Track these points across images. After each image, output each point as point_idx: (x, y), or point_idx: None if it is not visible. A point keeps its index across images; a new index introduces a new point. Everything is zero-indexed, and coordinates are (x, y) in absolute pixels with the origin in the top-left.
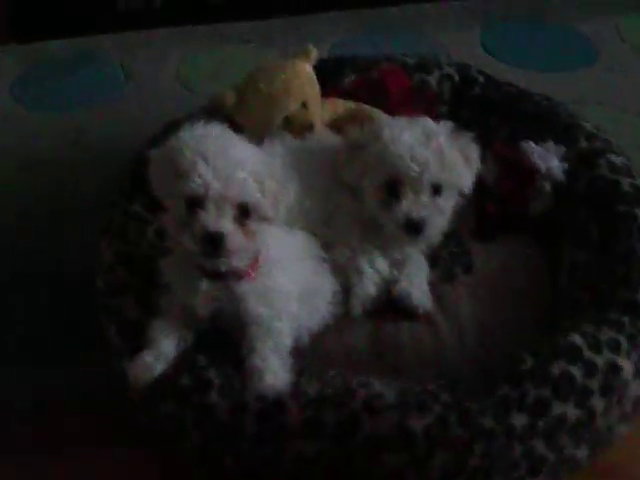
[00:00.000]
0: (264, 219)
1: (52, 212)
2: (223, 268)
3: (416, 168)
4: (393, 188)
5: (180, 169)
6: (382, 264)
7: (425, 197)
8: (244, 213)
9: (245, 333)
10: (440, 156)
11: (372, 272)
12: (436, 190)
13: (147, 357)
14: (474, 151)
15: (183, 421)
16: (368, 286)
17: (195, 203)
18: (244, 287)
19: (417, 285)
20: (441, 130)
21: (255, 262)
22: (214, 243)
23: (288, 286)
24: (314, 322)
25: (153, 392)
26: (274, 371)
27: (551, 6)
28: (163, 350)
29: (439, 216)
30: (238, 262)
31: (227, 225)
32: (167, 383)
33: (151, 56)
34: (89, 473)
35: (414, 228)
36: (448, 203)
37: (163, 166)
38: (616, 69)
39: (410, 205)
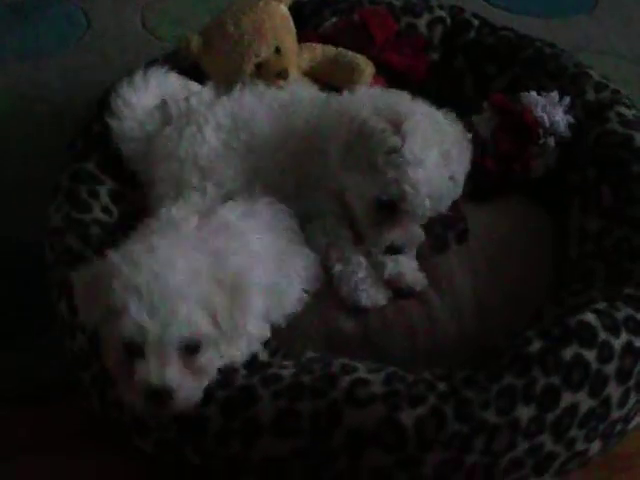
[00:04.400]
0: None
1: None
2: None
3: (427, 205)
4: (388, 210)
5: (110, 306)
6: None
7: (417, 225)
8: (193, 350)
9: None
10: (456, 177)
11: (355, 262)
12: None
13: None
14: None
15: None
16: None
17: (132, 349)
18: None
19: (406, 264)
20: (455, 131)
21: None
22: (160, 399)
23: None
24: (287, 309)
25: (104, 375)
26: None
27: None
28: None
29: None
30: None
31: (173, 375)
32: None
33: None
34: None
35: (395, 251)
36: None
37: (91, 296)
38: (616, 15)
39: (399, 233)
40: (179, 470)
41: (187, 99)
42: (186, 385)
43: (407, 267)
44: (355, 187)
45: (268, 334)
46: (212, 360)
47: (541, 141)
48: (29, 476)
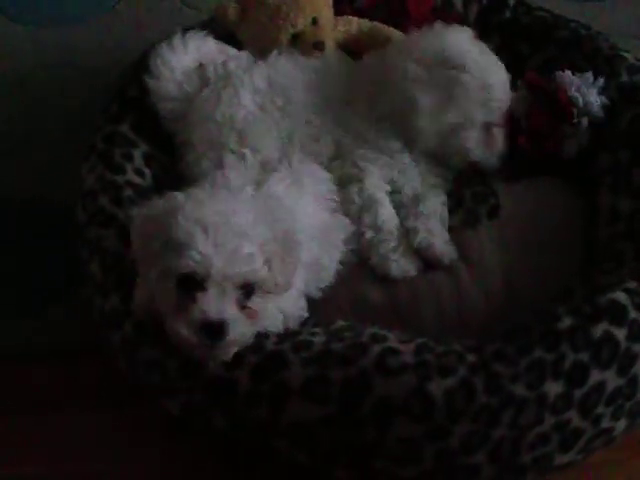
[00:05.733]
0: (269, 292)
1: (31, 133)
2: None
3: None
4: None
5: (173, 240)
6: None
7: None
8: (248, 293)
9: None
10: None
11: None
12: None
13: None
14: None
15: (166, 373)
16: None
17: (191, 283)
18: None
19: (438, 233)
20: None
21: None
22: (215, 333)
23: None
24: (325, 283)
25: (135, 335)
26: None
27: None
28: None
29: None
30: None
31: (231, 311)
32: (150, 325)
33: None
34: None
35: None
36: None
37: (150, 231)
38: None
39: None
40: (202, 434)
41: (225, 62)
42: (241, 324)
43: (439, 238)
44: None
45: (306, 314)
46: (264, 306)
47: (575, 120)
48: (44, 430)
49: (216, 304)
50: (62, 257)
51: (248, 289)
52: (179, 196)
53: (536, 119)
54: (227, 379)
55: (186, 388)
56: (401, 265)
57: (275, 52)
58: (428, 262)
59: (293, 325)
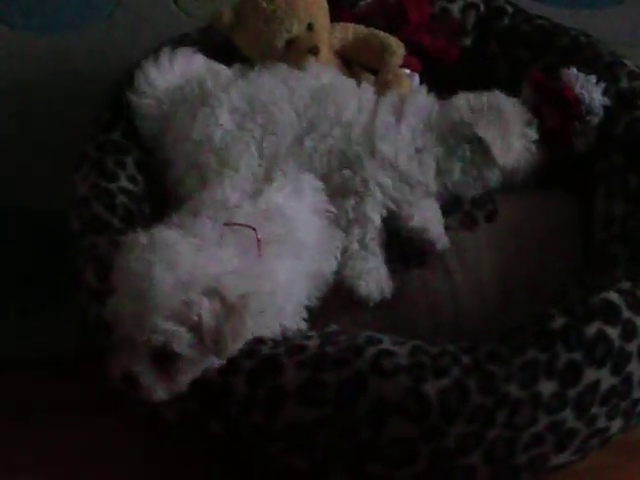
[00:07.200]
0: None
1: (27, 141)
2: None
3: None
4: None
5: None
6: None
7: None
8: (163, 355)
9: None
10: None
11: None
12: None
13: None
14: None
15: None
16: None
17: None
18: None
19: (433, 220)
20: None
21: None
22: (129, 382)
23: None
24: (323, 291)
25: None
26: None
27: None
28: None
29: None
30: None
31: (138, 366)
32: None
33: None
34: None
35: None
36: None
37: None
38: None
39: None
40: (199, 439)
41: (202, 81)
42: (154, 378)
43: (433, 224)
44: None
45: (304, 327)
46: (187, 368)
47: (587, 117)
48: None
49: (125, 357)
50: (61, 259)
51: (163, 355)
52: (140, 236)
53: (549, 117)
54: (222, 384)
55: (181, 394)
56: (370, 288)
57: (257, 68)
58: (421, 250)
59: (291, 333)
